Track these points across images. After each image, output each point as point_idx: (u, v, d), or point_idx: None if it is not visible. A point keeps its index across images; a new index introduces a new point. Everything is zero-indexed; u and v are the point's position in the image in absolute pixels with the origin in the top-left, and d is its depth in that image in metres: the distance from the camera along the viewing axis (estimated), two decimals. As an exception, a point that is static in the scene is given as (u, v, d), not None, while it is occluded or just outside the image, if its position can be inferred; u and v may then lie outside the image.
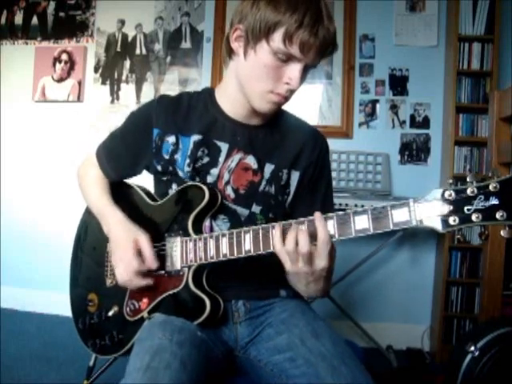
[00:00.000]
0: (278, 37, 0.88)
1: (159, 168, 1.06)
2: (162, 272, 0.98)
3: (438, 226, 0.72)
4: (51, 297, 2.65)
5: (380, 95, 2.59)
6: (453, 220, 0.70)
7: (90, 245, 1.21)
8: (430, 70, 2.56)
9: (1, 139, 2.89)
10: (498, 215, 0.67)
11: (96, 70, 2.84)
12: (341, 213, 0.79)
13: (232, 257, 0.88)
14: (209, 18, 2.72)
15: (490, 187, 0.68)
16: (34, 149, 2.87)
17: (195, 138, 1.03)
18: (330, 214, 0.80)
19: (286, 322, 0.99)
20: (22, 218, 2.86)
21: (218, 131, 1.04)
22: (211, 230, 1.01)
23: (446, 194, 0.71)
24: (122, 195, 1.16)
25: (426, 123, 2.57)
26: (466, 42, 2.36)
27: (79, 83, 2.83)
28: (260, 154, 1.03)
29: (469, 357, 1.47)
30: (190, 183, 1.01)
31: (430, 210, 0.73)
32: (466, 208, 0.69)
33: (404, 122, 2.58)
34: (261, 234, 0.85)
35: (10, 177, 2.89)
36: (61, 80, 2.84)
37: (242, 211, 1.02)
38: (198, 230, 0.98)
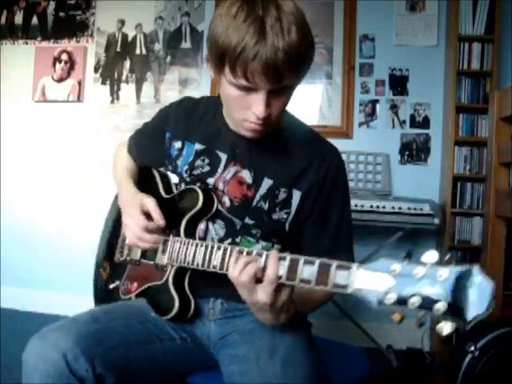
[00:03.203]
0: (227, 69, 0.84)
1: (169, 168, 1.11)
2: (151, 263, 1.04)
3: (372, 299, 0.68)
4: (51, 297, 2.65)
5: (380, 95, 2.59)
6: (388, 298, 0.66)
7: (113, 217, 1.28)
8: (430, 70, 2.56)
9: (1, 139, 2.89)
10: (437, 306, 0.62)
11: (96, 70, 2.84)
12: (294, 256, 0.77)
13: (203, 268, 0.91)
14: (209, 18, 2.71)
15: (439, 273, 0.63)
16: (34, 149, 2.87)
17: (198, 146, 1.05)
18: (283, 255, 0.78)
19: (253, 332, 0.97)
20: (22, 218, 2.86)
21: (220, 142, 1.04)
22: (205, 233, 1.03)
23: (392, 267, 0.66)
24: (144, 179, 1.20)
25: (426, 123, 2.57)
26: (465, 42, 2.36)
27: (79, 83, 2.83)
28: (258, 168, 1.01)
29: (469, 357, 1.47)
30: (191, 186, 1.04)
31: (370, 281, 0.68)
32: (407, 288, 0.64)
33: (404, 121, 2.58)
34: (227, 255, 0.85)
35: (9, 177, 2.89)
36: (61, 80, 2.84)
37: (236, 221, 1.02)
38: (191, 232, 1.00)
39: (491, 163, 1.77)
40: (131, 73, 2.81)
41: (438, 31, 2.54)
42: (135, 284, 1.07)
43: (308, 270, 0.74)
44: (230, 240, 1.02)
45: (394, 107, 2.58)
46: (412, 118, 2.58)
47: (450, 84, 2.37)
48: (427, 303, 0.62)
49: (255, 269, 0.78)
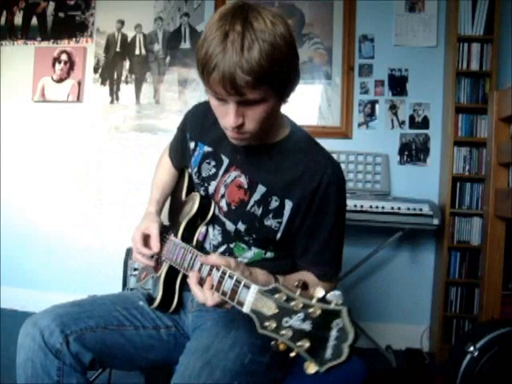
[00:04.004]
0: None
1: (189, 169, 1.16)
2: (156, 256, 1.11)
3: (257, 322, 0.69)
4: (51, 297, 2.65)
5: (379, 95, 2.59)
6: (268, 325, 0.66)
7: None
8: (430, 71, 2.56)
9: (0, 139, 2.89)
10: (301, 343, 0.61)
11: (95, 71, 2.84)
12: (226, 269, 0.81)
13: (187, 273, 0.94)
14: (208, 19, 2.71)
15: (312, 310, 0.62)
16: (33, 149, 2.87)
17: (207, 148, 1.09)
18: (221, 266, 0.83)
19: (208, 328, 1.02)
20: (21, 219, 2.86)
21: (225, 146, 1.06)
22: (205, 237, 1.09)
23: (278, 296, 0.67)
24: (179, 181, 1.27)
25: (425, 123, 2.57)
26: (465, 43, 2.36)
27: (79, 83, 2.83)
28: (252, 175, 1.02)
29: (468, 357, 1.47)
30: (194, 192, 1.12)
31: (260, 304, 0.69)
32: (284, 319, 0.65)
33: (403, 122, 2.58)
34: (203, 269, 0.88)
35: (9, 177, 2.89)
36: (60, 80, 2.84)
37: (230, 226, 1.04)
38: (189, 235, 1.06)
39: (490, 163, 1.77)
40: (131, 73, 2.81)
41: (437, 31, 2.54)
42: (144, 274, 1.19)
43: (228, 284, 0.78)
44: (225, 246, 1.06)
45: (393, 107, 2.59)
46: (411, 118, 2.58)
47: (450, 84, 2.37)
48: (296, 337, 0.63)
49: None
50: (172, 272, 1.05)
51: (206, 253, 1.07)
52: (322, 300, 0.63)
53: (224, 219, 1.04)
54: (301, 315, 0.63)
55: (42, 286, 2.80)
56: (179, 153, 1.23)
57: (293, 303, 0.64)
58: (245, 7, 0.84)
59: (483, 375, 1.44)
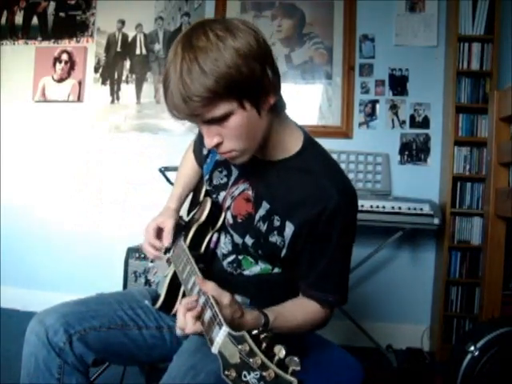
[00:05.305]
0: None
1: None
2: (169, 255, 1.10)
3: (221, 366, 0.65)
4: (51, 297, 2.65)
5: (380, 95, 2.59)
6: (229, 373, 0.63)
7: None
8: (430, 70, 2.56)
9: (1, 139, 2.89)
10: None
11: (96, 70, 2.84)
12: (210, 300, 0.77)
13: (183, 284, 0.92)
14: (209, 18, 2.71)
15: (267, 372, 0.59)
16: (34, 149, 2.87)
17: (219, 157, 1.06)
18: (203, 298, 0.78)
19: None
20: (21, 218, 2.86)
21: None
22: (216, 244, 1.07)
23: (241, 346, 0.63)
24: (200, 179, 1.25)
25: (425, 123, 2.57)
26: (465, 42, 2.36)
27: (79, 83, 2.83)
28: (260, 189, 0.98)
29: (468, 356, 1.47)
30: (206, 198, 1.11)
31: (227, 349, 0.65)
32: (244, 372, 0.61)
33: (404, 121, 2.58)
34: (196, 289, 0.83)
35: (10, 177, 2.89)
36: (61, 80, 2.85)
37: (237, 238, 1.01)
38: (197, 241, 1.05)
39: (491, 163, 1.77)
40: (131, 73, 2.81)
41: (437, 31, 2.54)
42: (155, 270, 1.20)
43: (208, 315, 0.74)
44: (234, 256, 1.04)
45: (393, 107, 2.59)
46: (412, 118, 2.58)
47: (450, 84, 2.37)
48: None
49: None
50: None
51: (217, 260, 1.06)
52: (281, 362, 0.59)
53: (232, 232, 1.02)
54: (257, 374, 0.60)
55: (43, 285, 2.80)
56: (197, 152, 1.22)
57: (252, 359, 0.61)
58: (194, 27, 0.81)
59: (483, 375, 1.44)
